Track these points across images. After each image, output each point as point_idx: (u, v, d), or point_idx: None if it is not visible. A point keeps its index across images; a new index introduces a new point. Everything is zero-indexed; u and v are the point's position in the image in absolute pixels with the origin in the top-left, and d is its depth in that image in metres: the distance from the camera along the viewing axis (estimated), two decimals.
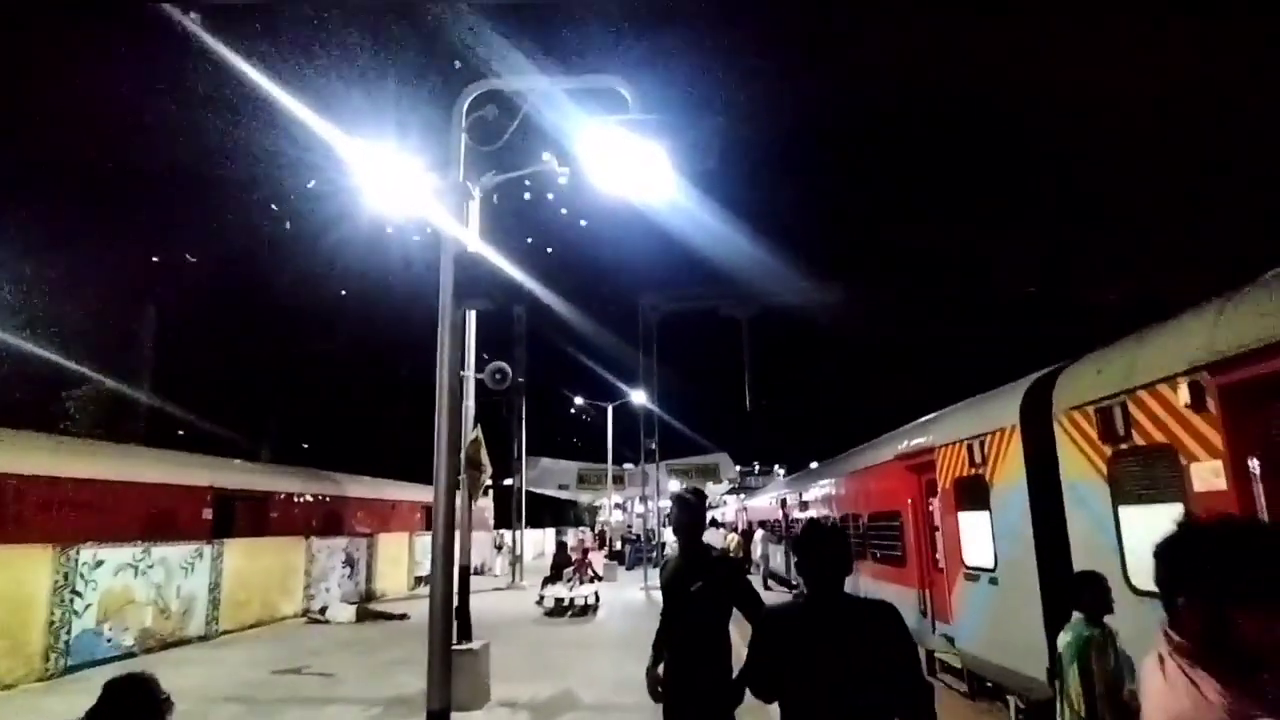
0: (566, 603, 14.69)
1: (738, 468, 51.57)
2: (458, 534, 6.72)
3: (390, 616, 14.51)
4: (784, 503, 19.38)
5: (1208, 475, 4.10)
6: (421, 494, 25.20)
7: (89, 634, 9.83)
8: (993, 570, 6.78)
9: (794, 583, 18.08)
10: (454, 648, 6.17)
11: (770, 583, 19.66)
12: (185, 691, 7.52)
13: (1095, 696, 3.53)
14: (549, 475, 36.86)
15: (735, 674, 2.91)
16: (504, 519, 26.56)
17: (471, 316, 8.85)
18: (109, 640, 10.16)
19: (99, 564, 10.09)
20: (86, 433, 22.19)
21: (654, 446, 21.59)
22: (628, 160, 3.95)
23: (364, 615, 14.54)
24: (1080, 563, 5.36)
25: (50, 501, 11.44)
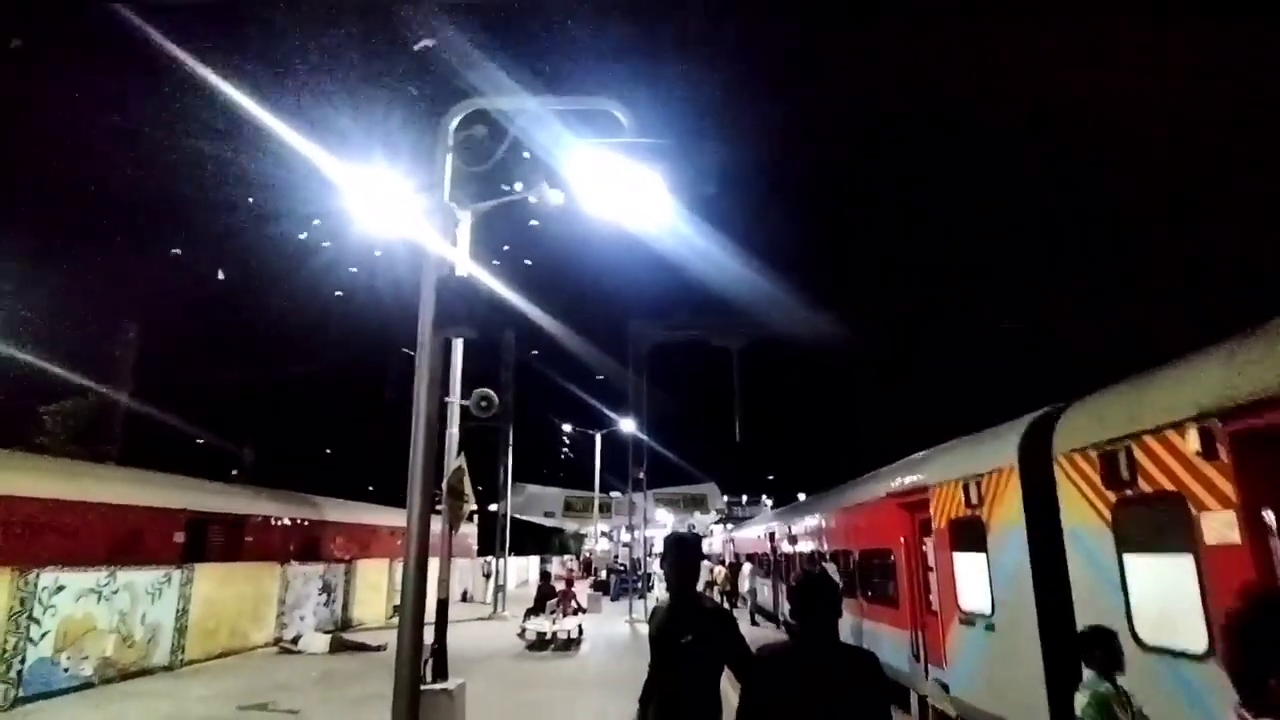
0: (549, 636, 14.26)
1: (725, 498, 51.14)
2: (437, 565, 6.44)
3: (366, 647, 14.02)
4: (773, 536, 19.07)
5: (1220, 526, 3.92)
6: (402, 519, 24.63)
7: (44, 663, 9.36)
8: (990, 615, 6.56)
9: (781, 618, 17.72)
10: (426, 687, 5.84)
11: (757, 618, 19.27)
12: None
13: None
14: (535, 502, 36.36)
15: None
16: (488, 546, 26.04)
17: (458, 342, 8.65)
18: (66, 670, 9.68)
19: (60, 589, 9.66)
20: (62, 449, 21.65)
21: (642, 476, 21.29)
22: (621, 185, 3.81)
23: (338, 645, 14.03)
24: (1083, 612, 5.16)
25: (10, 522, 10.97)
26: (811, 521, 14.65)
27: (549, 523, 39.39)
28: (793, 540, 16.33)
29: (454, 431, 8.82)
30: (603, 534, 36.67)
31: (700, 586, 4.02)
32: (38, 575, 9.38)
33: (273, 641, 14.15)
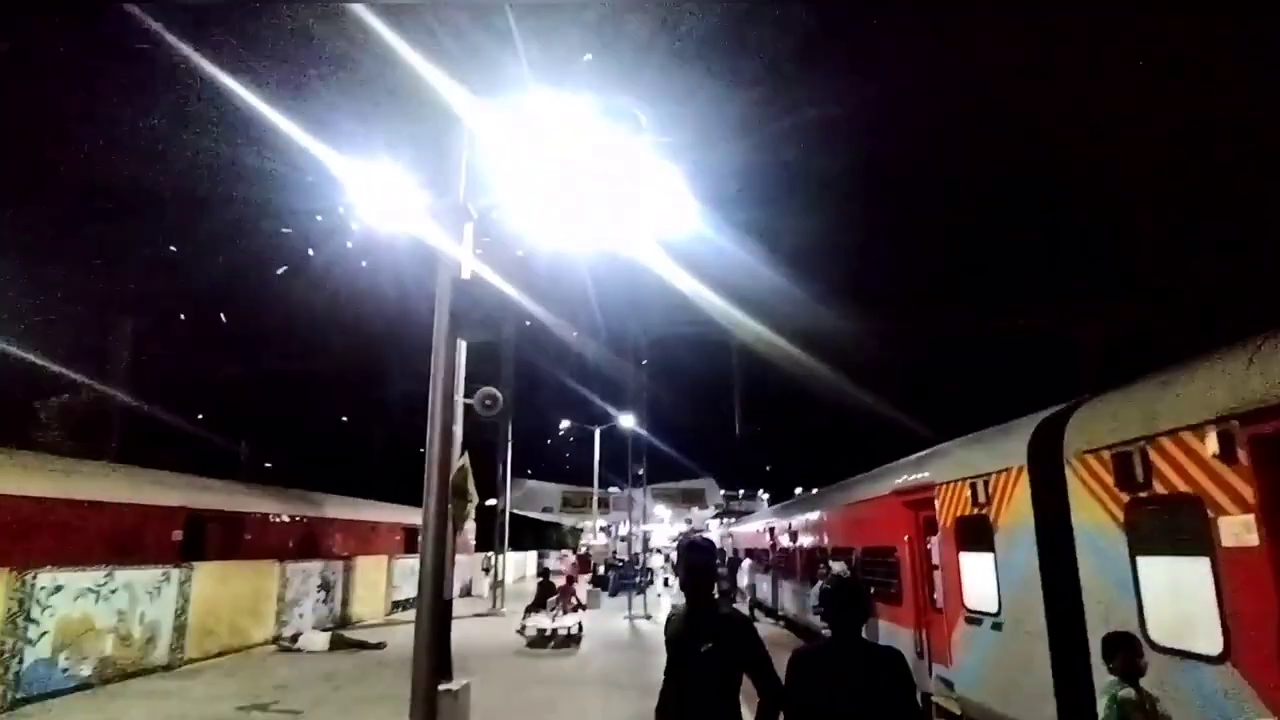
0: (549, 633, 14.24)
1: (722, 492, 51.23)
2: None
3: (366, 645, 13.96)
4: (772, 531, 19.07)
5: (1238, 530, 3.90)
6: (402, 515, 24.60)
7: (42, 664, 9.28)
8: (997, 615, 6.55)
9: (779, 612, 17.73)
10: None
11: (756, 612, 19.30)
12: None
13: None
14: (534, 497, 36.37)
15: None
16: (486, 541, 26.00)
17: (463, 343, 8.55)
18: (65, 671, 9.60)
19: (57, 589, 9.57)
20: (60, 447, 21.48)
21: (641, 472, 21.26)
22: (640, 183, 3.76)
23: (338, 643, 13.97)
24: (1094, 614, 5.15)
25: (7, 522, 10.87)
26: (813, 518, 14.64)
27: (547, 518, 39.39)
28: (794, 536, 16.33)
29: (458, 430, 8.73)
30: (601, 529, 36.70)
31: None
32: (35, 575, 9.28)
33: (272, 639, 14.08)
